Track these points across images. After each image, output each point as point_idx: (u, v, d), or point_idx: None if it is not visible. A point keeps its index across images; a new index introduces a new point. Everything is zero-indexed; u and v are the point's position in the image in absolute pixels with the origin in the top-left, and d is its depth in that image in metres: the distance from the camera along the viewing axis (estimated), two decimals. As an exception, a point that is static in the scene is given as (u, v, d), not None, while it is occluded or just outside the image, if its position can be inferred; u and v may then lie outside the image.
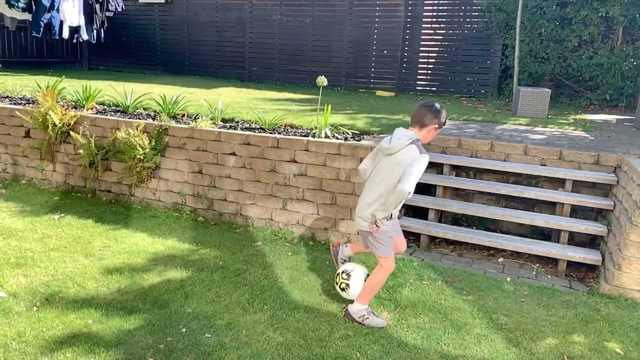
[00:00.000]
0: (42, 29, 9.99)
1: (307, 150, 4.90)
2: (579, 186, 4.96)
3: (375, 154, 3.45)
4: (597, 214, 4.93)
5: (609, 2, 8.45)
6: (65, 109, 5.98)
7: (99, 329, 3.23)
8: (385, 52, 10.77)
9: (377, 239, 3.37)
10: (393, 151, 3.25)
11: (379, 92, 10.19)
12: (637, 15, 8.46)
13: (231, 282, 3.96)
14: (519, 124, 6.70)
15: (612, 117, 7.88)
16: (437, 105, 3.30)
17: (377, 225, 3.29)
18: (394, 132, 3.32)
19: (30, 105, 6.39)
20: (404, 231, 5.02)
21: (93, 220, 5.16)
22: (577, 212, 4.90)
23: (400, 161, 3.20)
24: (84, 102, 6.34)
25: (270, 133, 5.26)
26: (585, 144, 5.48)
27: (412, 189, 3.15)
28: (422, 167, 3.18)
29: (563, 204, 4.80)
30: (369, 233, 3.38)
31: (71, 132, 5.78)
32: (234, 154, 5.21)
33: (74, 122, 5.87)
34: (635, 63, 8.66)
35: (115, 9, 11.35)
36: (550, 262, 4.69)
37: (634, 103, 8.50)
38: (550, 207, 5.01)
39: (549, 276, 4.46)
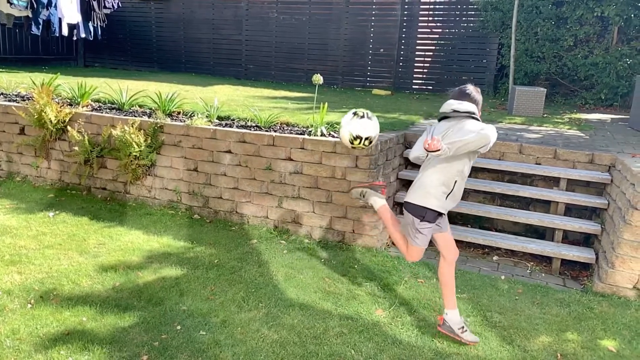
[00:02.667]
0: (41, 27, 9.96)
1: (303, 149, 4.90)
2: (573, 185, 4.98)
3: (425, 137, 3.30)
4: (591, 213, 4.95)
5: (604, 2, 8.48)
6: (61, 106, 5.96)
7: (94, 327, 3.23)
8: (382, 50, 10.79)
9: (417, 229, 3.24)
10: (461, 109, 3.17)
11: (375, 91, 10.20)
12: (632, 15, 8.50)
13: (226, 280, 3.96)
14: (515, 123, 6.72)
15: (606, 117, 7.92)
16: None
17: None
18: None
19: (26, 102, 6.37)
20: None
21: (88, 218, 5.15)
22: (571, 210, 4.92)
23: (469, 130, 3.10)
24: (79, 99, 6.32)
25: (266, 131, 5.26)
26: (579, 143, 5.50)
27: (493, 139, 3.04)
28: (496, 133, 3.11)
29: (557, 202, 4.82)
30: (412, 220, 3.25)
31: (67, 129, 5.76)
32: (229, 151, 5.21)
33: (69, 119, 5.85)
34: (630, 62, 8.70)
35: (113, 5, 11.33)
36: (544, 260, 4.72)
37: (628, 102, 8.54)
38: (544, 205, 5.04)
39: (543, 274, 4.49)
